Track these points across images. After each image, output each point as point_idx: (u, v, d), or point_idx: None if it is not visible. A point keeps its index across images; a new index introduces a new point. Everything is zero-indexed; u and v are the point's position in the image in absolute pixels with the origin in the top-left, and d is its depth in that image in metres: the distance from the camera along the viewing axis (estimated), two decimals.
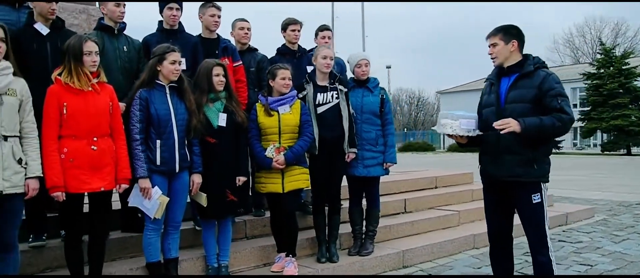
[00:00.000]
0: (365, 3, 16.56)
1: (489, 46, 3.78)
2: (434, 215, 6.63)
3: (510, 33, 3.74)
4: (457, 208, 6.95)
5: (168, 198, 3.95)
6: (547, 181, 3.69)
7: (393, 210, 6.57)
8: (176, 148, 3.99)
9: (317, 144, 4.82)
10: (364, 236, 5.31)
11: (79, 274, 3.75)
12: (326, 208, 5.09)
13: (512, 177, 3.64)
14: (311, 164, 4.94)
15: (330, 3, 19.21)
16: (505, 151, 3.66)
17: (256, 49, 5.60)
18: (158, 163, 3.93)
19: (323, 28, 5.93)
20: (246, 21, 5.49)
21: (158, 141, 3.93)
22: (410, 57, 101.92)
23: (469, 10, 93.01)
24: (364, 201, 5.38)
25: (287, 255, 4.64)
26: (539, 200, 3.64)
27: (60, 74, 3.62)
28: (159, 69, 4.00)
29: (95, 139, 3.63)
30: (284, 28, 5.67)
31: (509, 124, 3.45)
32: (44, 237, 4.15)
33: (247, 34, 5.46)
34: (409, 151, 36.86)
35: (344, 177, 5.22)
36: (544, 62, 3.73)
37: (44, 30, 4.12)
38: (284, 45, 5.70)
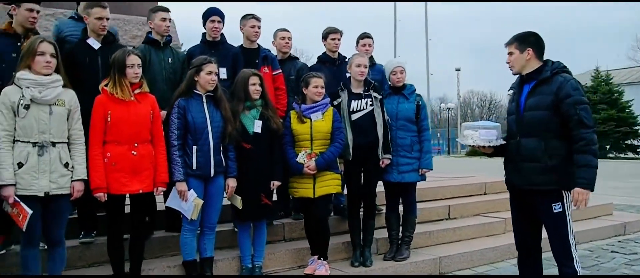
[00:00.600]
0: (428, 3, 16.30)
1: (507, 55, 3.78)
2: (478, 222, 6.56)
3: (526, 41, 3.71)
4: (505, 215, 6.81)
5: (202, 201, 4.20)
6: (570, 190, 3.62)
7: (436, 216, 6.56)
8: (211, 154, 4.24)
9: (351, 150, 4.94)
10: (400, 241, 5.36)
11: (120, 270, 4.07)
12: (362, 212, 5.20)
13: (531, 186, 3.62)
14: (346, 170, 5.07)
15: (392, 3, 19.05)
16: (525, 160, 3.64)
17: (297, 58, 5.80)
18: (194, 167, 4.19)
19: (364, 36, 6.04)
20: (287, 31, 5.68)
21: (194, 147, 4.19)
22: (481, 59, 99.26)
23: (541, 11, 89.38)
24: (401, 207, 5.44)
25: (319, 258, 4.78)
26: (561, 210, 3.58)
27: (106, 85, 3.96)
28: (196, 79, 4.27)
29: (136, 145, 3.94)
30: (324, 37, 5.82)
31: (584, 198, 3.46)
32: (93, 234, 4.52)
33: (287, 43, 5.65)
34: (477, 156, 35.91)
35: (381, 182, 5.30)
36: (564, 67, 3.68)
37: (95, 45, 4.49)
38: (324, 53, 5.86)
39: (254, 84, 4.53)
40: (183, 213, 4.23)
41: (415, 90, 5.34)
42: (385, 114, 5.09)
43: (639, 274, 4.97)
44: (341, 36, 5.81)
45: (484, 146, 3.79)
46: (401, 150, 5.15)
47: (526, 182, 3.66)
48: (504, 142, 3.79)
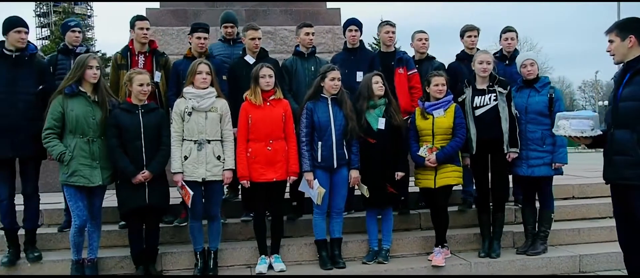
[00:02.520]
0: None
1: (608, 42, 3.64)
2: None
3: (628, 28, 3.55)
4: None
5: (325, 189, 4.88)
6: None
7: (597, 214, 6.19)
8: (334, 148, 4.89)
9: (474, 144, 5.11)
10: (535, 236, 5.31)
11: (263, 244, 5.00)
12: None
13: (622, 180, 3.48)
14: (473, 164, 5.26)
15: None
16: (617, 152, 3.52)
17: (434, 58, 6.07)
18: (319, 160, 4.90)
19: (506, 30, 6.08)
20: (424, 32, 6.02)
21: (319, 143, 4.90)
22: None
23: None
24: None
25: (436, 246, 5.10)
26: None
27: (248, 94, 4.92)
28: (322, 85, 4.97)
29: (270, 141, 4.82)
30: (461, 35, 6.02)
31: None
32: (251, 215, 5.54)
33: (424, 44, 5.98)
34: None
35: None
36: None
37: (250, 60, 5.51)
38: (462, 51, 6.05)
39: (376, 83, 5.04)
40: (312, 199, 4.97)
41: (549, 83, 5.23)
42: (513, 108, 5.12)
43: None
44: (478, 33, 5.93)
45: (577, 137, 3.72)
46: (531, 144, 5.11)
47: (618, 176, 3.54)
48: (600, 133, 3.66)
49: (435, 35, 5.99)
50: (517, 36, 6.05)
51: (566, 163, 5.13)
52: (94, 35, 56.78)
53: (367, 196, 5.08)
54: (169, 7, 9.92)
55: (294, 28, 9.32)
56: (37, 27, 72.78)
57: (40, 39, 73.21)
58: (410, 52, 6.14)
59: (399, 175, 5.10)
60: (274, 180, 4.84)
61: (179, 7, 9.83)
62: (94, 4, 65.63)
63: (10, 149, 4.70)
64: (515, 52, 6.01)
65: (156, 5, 10.13)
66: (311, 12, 10.25)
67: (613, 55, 3.64)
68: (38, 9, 68.45)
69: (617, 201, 3.71)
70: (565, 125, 3.75)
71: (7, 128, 4.65)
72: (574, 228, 5.70)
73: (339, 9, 10.31)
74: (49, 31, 64.42)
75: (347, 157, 4.98)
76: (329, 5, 10.57)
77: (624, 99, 3.51)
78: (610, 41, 3.62)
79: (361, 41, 5.87)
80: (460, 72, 5.79)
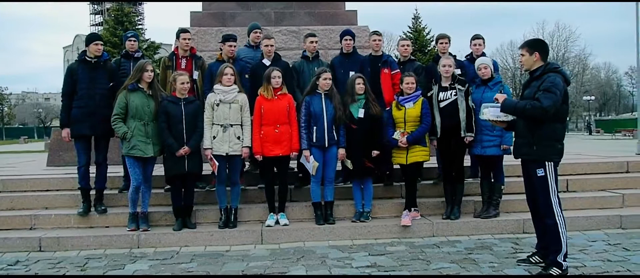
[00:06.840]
0: None
1: (520, 56, 4.98)
2: (597, 195, 7.25)
3: (535, 46, 4.85)
4: (629, 192, 7.27)
5: (317, 163, 6.37)
6: (551, 161, 4.70)
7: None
8: (325, 132, 6.38)
9: (438, 130, 6.50)
10: (489, 204, 6.67)
11: (272, 205, 6.57)
12: None
13: (521, 156, 4.82)
14: (438, 145, 6.65)
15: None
16: (518, 136, 4.87)
17: (415, 60, 7.46)
18: (314, 140, 6.40)
19: (475, 37, 7.42)
20: (406, 40, 7.44)
21: (314, 127, 6.40)
22: None
23: None
24: None
25: (405, 209, 6.55)
26: (543, 174, 4.71)
27: (262, 90, 6.47)
28: (317, 83, 6.46)
29: (278, 126, 6.36)
30: (436, 41, 7.39)
31: (498, 99, 4.87)
32: None
33: (406, 49, 7.35)
34: None
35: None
36: (556, 67, 4.74)
37: (267, 62, 7.04)
38: (436, 54, 7.41)
39: (358, 84, 6.49)
40: (309, 170, 6.49)
41: (500, 82, 6.55)
42: (470, 101, 6.46)
43: None
44: (449, 41, 7.29)
45: (494, 120, 5.06)
46: (484, 130, 6.43)
47: (518, 153, 4.89)
48: (512, 118, 4.95)
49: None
50: (484, 42, 7.36)
51: (511, 145, 6.44)
52: (144, 24, 59.71)
53: (351, 168, 6.56)
54: (209, 11, 11.57)
55: (316, 28, 10.88)
56: (91, 14, 76.31)
57: (93, 25, 77.34)
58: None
59: (375, 153, 6.52)
60: (280, 154, 6.38)
61: (217, 11, 11.45)
62: None
63: (89, 128, 6.43)
64: (482, 55, 7.31)
65: (199, 8, 11.81)
66: (331, 13, 11.68)
67: (523, 65, 4.97)
68: None
69: (524, 172, 5.04)
70: (486, 112, 5.09)
71: (87, 113, 6.39)
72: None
73: (356, 10, 11.71)
74: (102, 18, 68.01)
75: (336, 138, 6.47)
76: (347, 7, 11.97)
77: (523, 98, 4.85)
78: (522, 55, 4.93)
79: (354, 47, 7.31)
80: (435, 72, 7.14)
